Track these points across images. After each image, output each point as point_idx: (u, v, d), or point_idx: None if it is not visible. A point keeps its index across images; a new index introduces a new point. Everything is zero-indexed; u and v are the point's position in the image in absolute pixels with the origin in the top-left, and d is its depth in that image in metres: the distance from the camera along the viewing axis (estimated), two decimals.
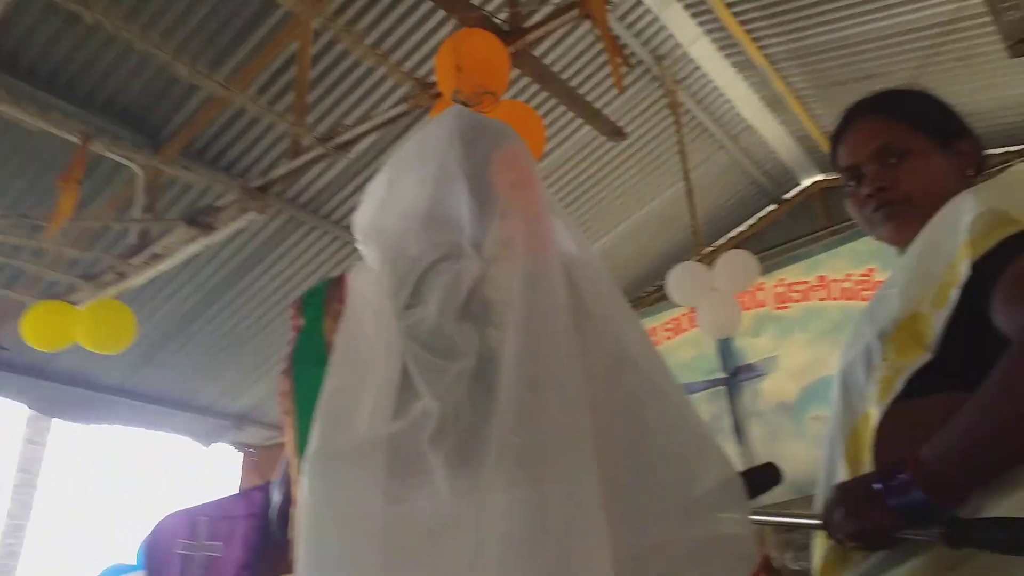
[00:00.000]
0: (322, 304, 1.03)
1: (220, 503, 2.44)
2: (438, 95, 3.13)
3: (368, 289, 1.02)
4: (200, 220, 3.50)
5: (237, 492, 4.12)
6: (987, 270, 0.91)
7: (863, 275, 5.12)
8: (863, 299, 5.07)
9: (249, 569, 2.24)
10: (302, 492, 0.89)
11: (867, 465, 0.96)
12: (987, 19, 3.70)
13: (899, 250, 1.12)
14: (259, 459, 5.81)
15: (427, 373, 0.91)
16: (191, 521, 2.42)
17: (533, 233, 1.02)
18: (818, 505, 1.06)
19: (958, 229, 0.96)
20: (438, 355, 0.92)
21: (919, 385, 0.94)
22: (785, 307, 5.33)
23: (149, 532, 2.50)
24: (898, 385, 0.95)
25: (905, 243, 1.09)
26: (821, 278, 5.26)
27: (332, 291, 1.04)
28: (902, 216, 1.10)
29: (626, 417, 0.97)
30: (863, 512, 0.91)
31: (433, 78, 3.26)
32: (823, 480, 1.07)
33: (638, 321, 1.12)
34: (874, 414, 0.96)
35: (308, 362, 0.99)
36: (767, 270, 5.33)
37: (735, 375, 5.32)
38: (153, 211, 3.53)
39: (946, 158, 1.11)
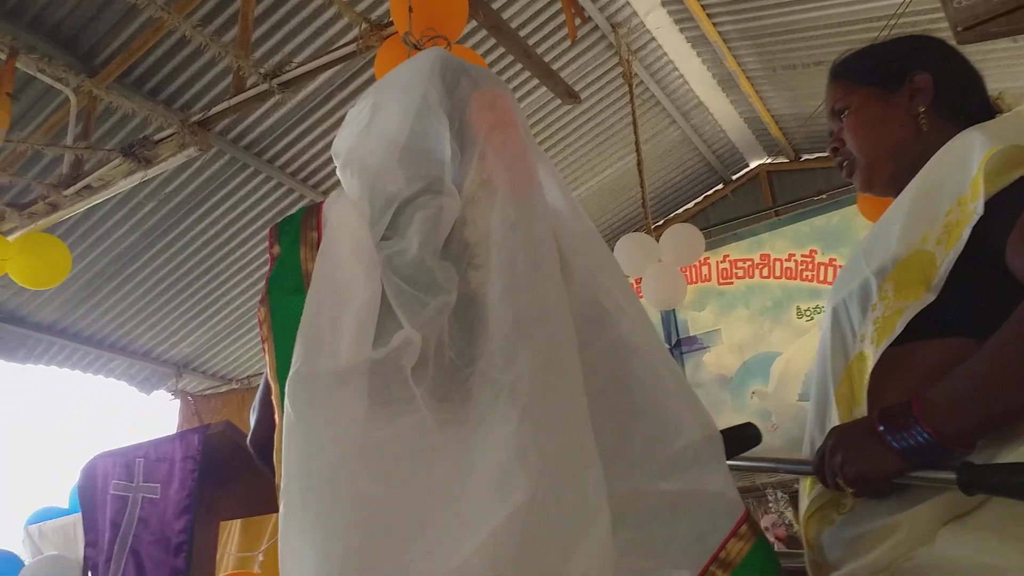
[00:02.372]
0: (298, 232, 1.02)
1: (156, 444, 2.36)
2: (388, 36, 3.10)
3: (346, 218, 1.01)
4: (137, 152, 3.40)
5: (175, 433, 4.03)
6: (1001, 209, 0.87)
7: (805, 256, 5.24)
8: (804, 279, 5.19)
9: (189, 512, 2.19)
10: (285, 414, 0.88)
11: (862, 407, 0.93)
12: (935, 9, 3.78)
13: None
14: (198, 408, 5.71)
15: (407, 304, 0.91)
16: (126, 462, 2.35)
17: (513, 174, 1.00)
18: (807, 449, 1.03)
19: (967, 165, 0.92)
20: (419, 288, 0.91)
21: (919, 327, 0.90)
22: (729, 283, 5.42)
23: (81, 472, 2.43)
24: (898, 327, 0.90)
25: (881, 192, 1.13)
26: (764, 256, 5.36)
27: (308, 219, 1.03)
28: (857, 169, 1.15)
29: (607, 369, 0.96)
30: (865, 455, 0.87)
31: (386, 20, 3.22)
32: (813, 422, 1.03)
33: (620, 273, 1.11)
34: (870, 355, 0.93)
35: (285, 290, 0.98)
36: (712, 246, 5.41)
37: (678, 347, 5.40)
38: (88, 140, 3.43)
39: (891, 104, 1.11)
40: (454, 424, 0.86)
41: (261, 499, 2.48)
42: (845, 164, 1.18)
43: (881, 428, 0.86)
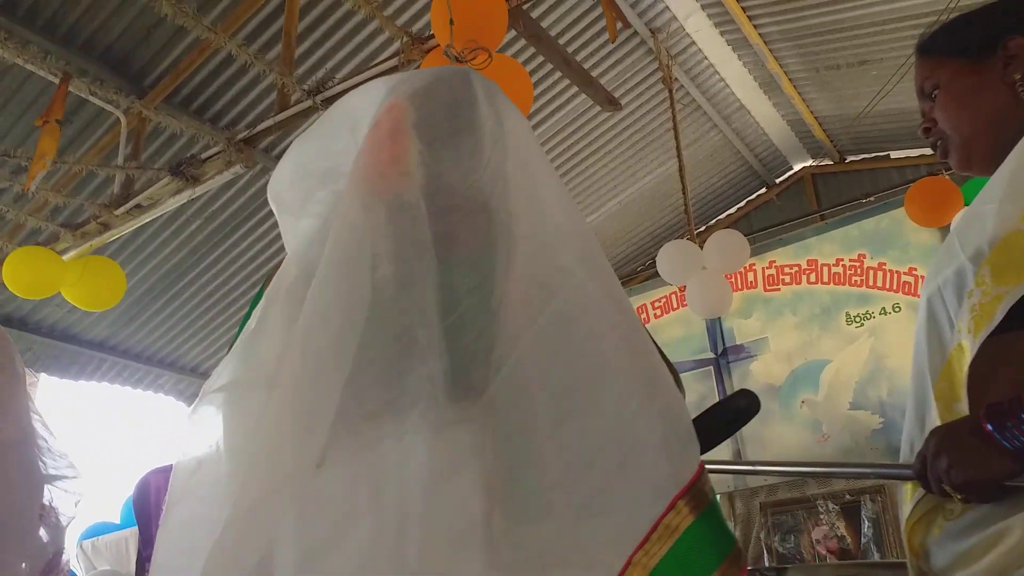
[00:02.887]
0: None
1: None
2: (431, 50, 3.11)
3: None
4: (184, 171, 3.46)
5: None
6: None
7: (853, 260, 5.12)
8: (853, 284, 5.07)
9: None
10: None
11: (963, 404, 0.86)
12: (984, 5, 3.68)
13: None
14: None
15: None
16: None
17: (355, 173, 0.95)
18: (906, 451, 0.96)
19: None
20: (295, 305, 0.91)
21: (1021, 314, 0.83)
22: (776, 289, 5.32)
23: (135, 488, 2.45)
24: (998, 314, 0.83)
25: (980, 171, 1.06)
26: (811, 261, 5.25)
27: None
28: (953, 148, 1.09)
29: (556, 349, 0.87)
30: (973, 458, 0.81)
31: (426, 33, 3.23)
32: (912, 421, 0.96)
33: (586, 239, 1.00)
34: (968, 346, 0.86)
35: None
36: (757, 252, 5.33)
37: (724, 356, 5.32)
38: (137, 159, 3.50)
39: (984, 74, 1.04)
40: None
41: None
42: (939, 144, 1.11)
43: (989, 427, 0.80)
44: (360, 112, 1.01)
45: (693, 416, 0.90)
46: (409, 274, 0.88)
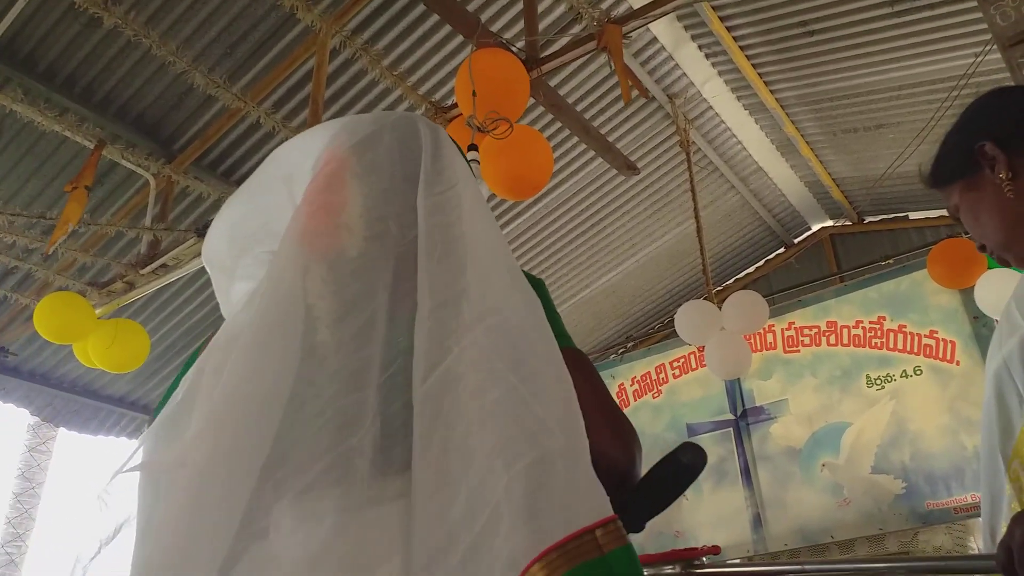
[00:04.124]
0: None
1: None
2: (453, 119, 3.18)
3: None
4: None
5: None
6: None
7: (873, 322, 5.08)
8: (873, 346, 5.02)
9: None
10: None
11: None
12: (1001, 74, 3.72)
13: None
14: None
15: None
16: None
17: (292, 230, 0.89)
18: (987, 539, 0.93)
19: None
20: None
21: None
22: (795, 351, 5.28)
23: None
24: None
25: (1020, 264, 1.09)
26: (831, 323, 5.21)
27: None
28: (997, 253, 1.13)
29: (437, 412, 0.76)
30: None
31: (448, 101, 3.31)
32: (987, 507, 0.92)
33: (505, 268, 0.87)
34: None
35: None
36: (776, 313, 5.30)
37: (744, 417, 5.26)
38: (164, 221, 3.57)
39: (981, 186, 1.10)
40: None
41: None
42: (986, 251, 1.16)
43: None
44: (295, 163, 0.96)
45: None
46: (352, 336, 0.82)
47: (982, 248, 1.16)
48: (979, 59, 3.72)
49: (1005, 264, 1.12)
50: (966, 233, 1.20)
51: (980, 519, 0.93)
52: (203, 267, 3.79)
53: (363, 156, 0.94)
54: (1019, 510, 0.84)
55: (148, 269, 3.65)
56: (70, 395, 4.75)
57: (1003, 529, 0.83)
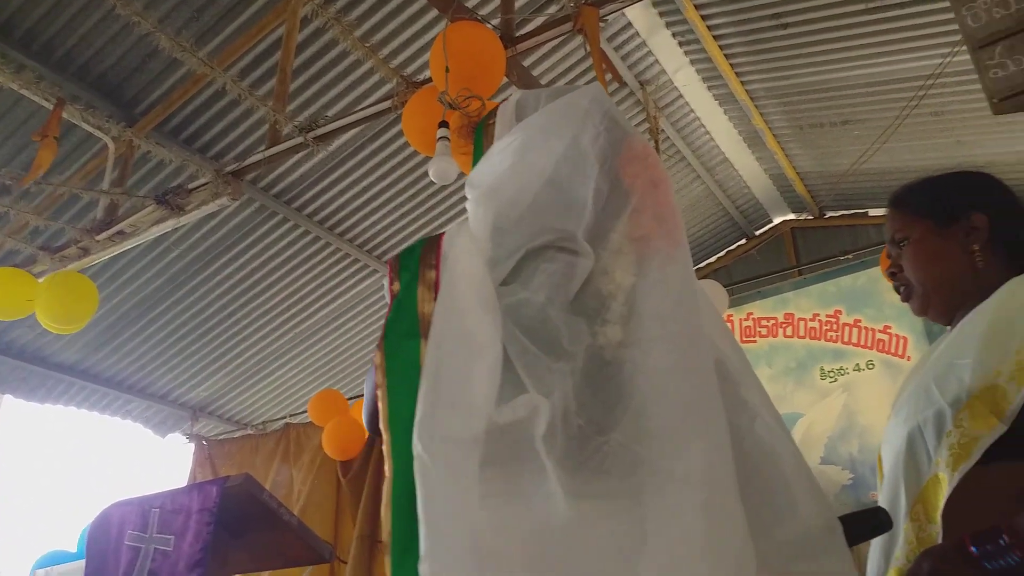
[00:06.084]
0: (417, 269, 0.97)
1: (173, 495, 2.29)
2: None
3: (467, 257, 0.97)
4: (170, 200, 3.43)
5: (192, 484, 3.95)
6: None
7: (830, 316, 5.19)
8: (828, 340, 5.13)
9: (201, 567, 2.13)
10: (417, 473, 0.81)
11: (936, 526, 1.03)
12: (967, 76, 3.79)
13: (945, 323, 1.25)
14: (211, 452, 5.67)
15: (532, 365, 0.86)
16: (142, 511, 2.29)
17: (669, 236, 0.98)
18: (875, 566, 1.13)
19: None
20: (541, 347, 0.87)
21: (992, 451, 1.01)
22: (752, 341, 5.37)
23: (94, 519, 2.37)
24: (975, 453, 1.01)
25: (935, 319, 1.24)
26: (788, 315, 5.31)
27: (427, 255, 0.98)
28: (914, 296, 1.26)
29: (735, 440, 0.91)
30: None
31: (420, 76, 3.26)
32: (884, 541, 1.13)
33: (727, 330, 1.11)
34: (944, 478, 1.03)
35: (400, 334, 0.93)
36: (735, 303, 5.37)
37: None
38: (123, 186, 3.47)
39: (948, 239, 1.21)
40: (590, 498, 0.81)
41: (275, 553, 2.43)
42: (903, 289, 1.27)
43: (974, 551, 0.93)
44: (586, 126, 1.03)
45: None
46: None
47: (901, 288, 1.27)
48: (947, 60, 3.78)
49: (920, 312, 1.24)
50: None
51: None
52: (161, 235, 3.62)
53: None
54: (921, 549, 1.04)
55: (104, 235, 3.54)
56: (17, 362, 4.60)
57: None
